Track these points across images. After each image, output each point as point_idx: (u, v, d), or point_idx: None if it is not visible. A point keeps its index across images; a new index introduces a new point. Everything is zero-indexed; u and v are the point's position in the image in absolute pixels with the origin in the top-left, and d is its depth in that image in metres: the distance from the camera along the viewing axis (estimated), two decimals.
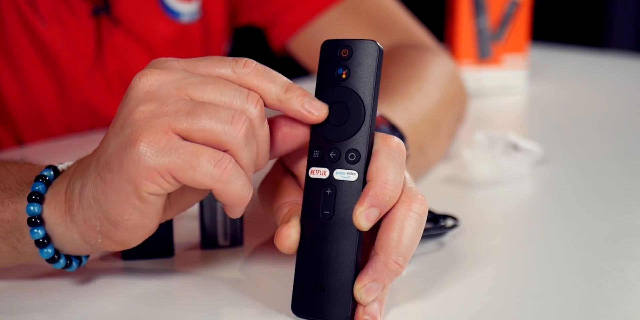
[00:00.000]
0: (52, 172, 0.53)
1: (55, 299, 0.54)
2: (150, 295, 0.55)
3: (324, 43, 0.52)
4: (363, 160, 0.50)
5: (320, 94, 0.51)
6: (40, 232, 0.51)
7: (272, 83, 0.49)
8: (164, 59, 0.51)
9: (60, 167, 0.54)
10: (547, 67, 1.23)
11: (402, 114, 0.71)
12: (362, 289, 0.49)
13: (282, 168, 0.56)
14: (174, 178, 0.47)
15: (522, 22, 1.09)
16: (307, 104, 0.50)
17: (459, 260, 0.60)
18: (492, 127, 0.99)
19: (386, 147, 0.50)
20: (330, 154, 0.51)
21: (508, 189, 0.76)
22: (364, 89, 0.50)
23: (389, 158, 0.50)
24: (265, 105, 0.50)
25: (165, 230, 0.60)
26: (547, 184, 0.78)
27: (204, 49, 0.95)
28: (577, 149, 0.89)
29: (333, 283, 0.50)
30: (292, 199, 0.53)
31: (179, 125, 0.47)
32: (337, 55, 0.51)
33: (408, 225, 0.49)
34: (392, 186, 0.49)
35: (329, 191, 0.50)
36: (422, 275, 0.57)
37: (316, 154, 0.51)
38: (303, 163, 0.53)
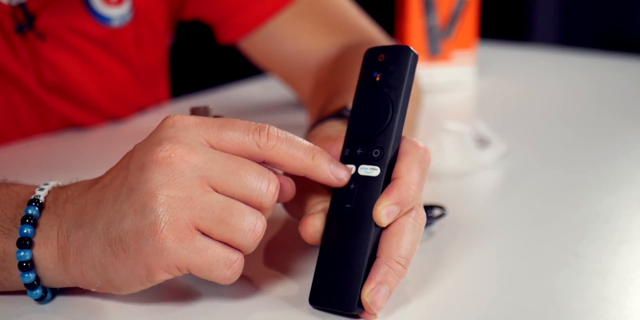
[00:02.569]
0: (37, 210, 0.51)
1: (43, 306, 0.54)
2: (145, 295, 0.55)
3: (367, 50, 0.55)
4: (387, 158, 0.52)
5: (357, 96, 0.54)
6: (31, 276, 0.51)
7: (298, 151, 0.50)
8: (184, 122, 0.49)
9: (41, 197, 0.52)
10: (491, 63, 1.26)
11: None
12: (370, 293, 0.50)
13: None
14: (189, 271, 0.48)
15: (470, 19, 1.12)
16: (334, 170, 0.52)
17: (445, 250, 0.62)
18: (444, 121, 1.01)
19: (415, 150, 0.52)
20: (358, 151, 0.53)
21: (476, 179, 0.78)
22: (394, 90, 0.53)
23: (416, 160, 0.52)
24: (291, 171, 0.51)
25: None
26: (512, 175, 0.81)
27: (139, 50, 0.93)
28: (532, 140, 0.92)
29: (345, 274, 0.51)
30: (323, 199, 0.54)
31: (203, 224, 0.47)
32: (375, 59, 0.54)
33: (408, 230, 0.51)
34: (416, 187, 0.51)
35: (352, 186, 0.52)
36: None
37: (347, 152, 0.54)
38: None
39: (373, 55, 0.54)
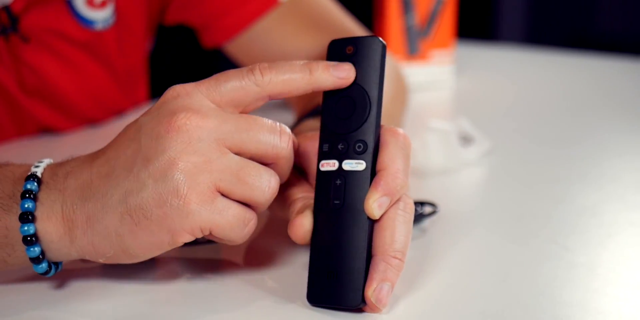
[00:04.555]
0: (35, 184, 0.52)
1: (36, 301, 0.54)
2: (141, 295, 0.55)
3: (330, 43, 0.54)
4: (370, 151, 0.52)
5: (328, 91, 0.54)
6: (36, 250, 0.51)
7: (293, 73, 0.52)
8: (185, 90, 0.51)
9: (38, 172, 0.52)
10: (467, 62, 1.28)
11: None
12: (374, 292, 0.50)
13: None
14: (210, 232, 0.50)
15: (448, 18, 1.13)
16: (335, 73, 0.52)
17: (437, 246, 0.63)
18: (426, 120, 1.02)
19: (395, 138, 0.53)
20: (339, 146, 0.53)
21: (461, 176, 0.79)
22: (369, 82, 0.53)
23: (398, 149, 0.52)
24: (298, 94, 0.52)
25: None
26: (497, 171, 0.82)
27: (120, 53, 0.92)
28: (513, 137, 0.93)
29: (345, 270, 0.51)
30: (304, 195, 0.55)
31: (224, 186, 0.50)
32: (342, 52, 0.54)
33: (399, 223, 0.52)
34: (402, 175, 0.52)
35: (338, 181, 0.52)
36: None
37: (326, 147, 0.53)
38: (314, 160, 0.55)
39: (339, 48, 0.54)
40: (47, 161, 0.54)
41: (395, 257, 0.51)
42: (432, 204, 0.66)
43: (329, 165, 0.53)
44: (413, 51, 1.13)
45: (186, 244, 0.61)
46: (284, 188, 0.56)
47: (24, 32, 0.82)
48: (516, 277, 0.57)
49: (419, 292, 0.55)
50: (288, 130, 0.52)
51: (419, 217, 0.64)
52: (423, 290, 0.55)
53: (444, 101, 1.13)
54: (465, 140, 0.83)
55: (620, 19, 2.78)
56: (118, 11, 0.89)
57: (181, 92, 0.51)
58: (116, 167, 0.51)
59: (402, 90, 0.86)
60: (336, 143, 0.53)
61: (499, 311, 0.52)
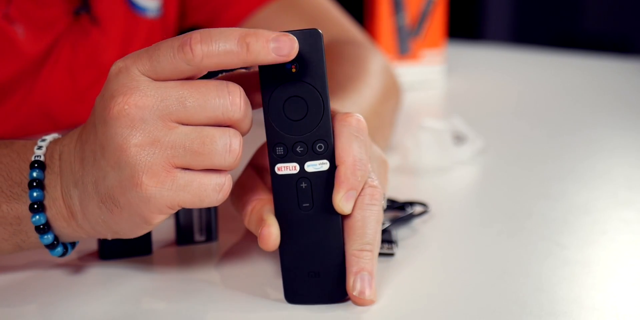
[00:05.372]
0: (40, 171, 0.52)
1: (33, 302, 0.54)
2: (137, 294, 0.55)
3: None
4: (330, 148, 0.51)
5: (270, 92, 0.50)
6: (50, 238, 0.52)
7: (227, 46, 0.47)
8: (125, 65, 0.48)
9: (41, 156, 0.52)
10: (457, 61, 1.28)
11: (353, 108, 0.73)
12: (354, 285, 0.51)
13: (252, 170, 0.58)
14: (182, 207, 0.49)
15: (438, 18, 1.13)
16: (276, 49, 0.47)
17: (430, 245, 0.63)
18: (419, 119, 1.02)
19: (347, 127, 0.52)
20: (297, 149, 0.51)
21: (454, 175, 0.80)
22: (317, 79, 0.50)
23: (351, 138, 0.51)
24: (235, 67, 0.49)
25: None
26: (489, 170, 0.82)
27: None
28: (505, 136, 0.94)
29: (328, 268, 0.52)
30: (255, 197, 0.55)
31: (179, 161, 0.48)
32: None
33: (366, 216, 0.52)
34: (360, 165, 0.51)
35: (303, 185, 0.51)
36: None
37: (279, 151, 0.51)
38: None
39: None
40: (50, 138, 0.54)
41: (364, 250, 0.52)
42: (422, 204, 0.67)
43: (288, 168, 0.51)
44: (404, 51, 1.13)
45: (185, 244, 0.62)
46: (239, 189, 0.56)
47: (94, 14, 0.84)
48: (511, 274, 0.58)
49: (412, 291, 0.55)
50: (238, 88, 0.48)
51: (408, 217, 0.65)
52: (416, 289, 0.55)
53: (436, 101, 1.13)
54: (459, 139, 0.83)
55: (605, 19, 2.80)
56: (164, 6, 0.93)
57: (122, 68, 0.49)
58: (86, 151, 0.50)
59: (392, 87, 0.86)
60: (293, 145, 0.51)
61: (496, 308, 0.53)
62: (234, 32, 0.47)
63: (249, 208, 0.54)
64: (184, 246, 0.62)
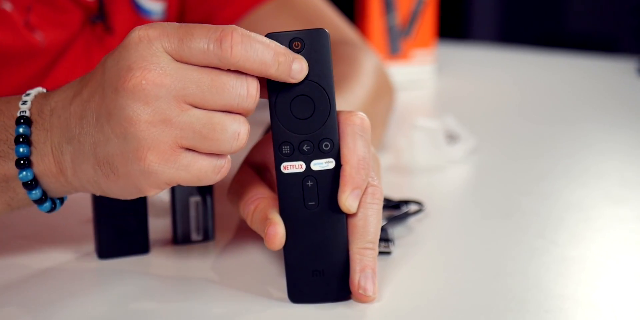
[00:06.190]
0: (26, 127, 0.51)
1: (32, 301, 0.54)
2: (135, 294, 0.55)
3: (269, 36, 0.50)
4: (336, 147, 0.52)
5: (277, 91, 0.51)
6: (38, 193, 0.52)
7: (262, 58, 0.48)
8: (148, 36, 0.48)
9: (26, 111, 0.51)
10: (446, 61, 1.29)
11: (345, 107, 0.74)
12: (358, 283, 0.52)
13: (249, 168, 0.58)
14: (179, 184, 0.50)
15: (429, 18, 1.14)
16: (294, 73, 0.50)
17: (426, 243, 0.64)
18: (411, 119, 1.03)
19: (351, 126, 0.52)
20: (304, 147, 0.51)
21: (448, 174, 0.80)
22: (324, 78, 0.51)
23: (355, 137, 0.52)
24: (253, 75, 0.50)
25: (140, 227, 0.60)
26: (483, 169, 0.83)
27: None
28: (496, 135, 0.94)
29: (332, 267, 0.52)
30: (257, 196, 0.55)
31: (186, 143, 0.49)
32: (290, 48, 0.50)
33: (369, 214, 0.53)
34: (364, 164, 0.52)
35: (309, 183, 0.52)
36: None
37: (286, 149, 0.51)
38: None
39: (284, 43, 0.50)
40: (34, 92, 0.53)
41: (366, 248, 0.52)
42: (418, 203, 0.67)
43: (294, 167, 0.51)
44: (395, 51, 1.14)
45: (183, 243, 0.62)
46: (239, 188, 0.56)
47: (109, 23, 0.85)
48: (507, 272, 0.58)
49: (411, 289, 0.55)
50: (255, 82, 0.49)
51: (404, 216, 0.65)
52: (415, 287, 0.56)
53: (427, 100, 1.14)
54: (452, 138, 0.84)
55: (589, 19, 2.82)
56: (168, 10, 0.93)
57: (143, 38, 0.48)
58: (87, 110, 0.50)
59: (385, 87, 0.87)
60: (299, 144, 0.51)
61: (493, 305, 0.53)
62: (271, 44, 0.49)
63: (252, 207, 0.54)
64: (181, 245, 0.62)
